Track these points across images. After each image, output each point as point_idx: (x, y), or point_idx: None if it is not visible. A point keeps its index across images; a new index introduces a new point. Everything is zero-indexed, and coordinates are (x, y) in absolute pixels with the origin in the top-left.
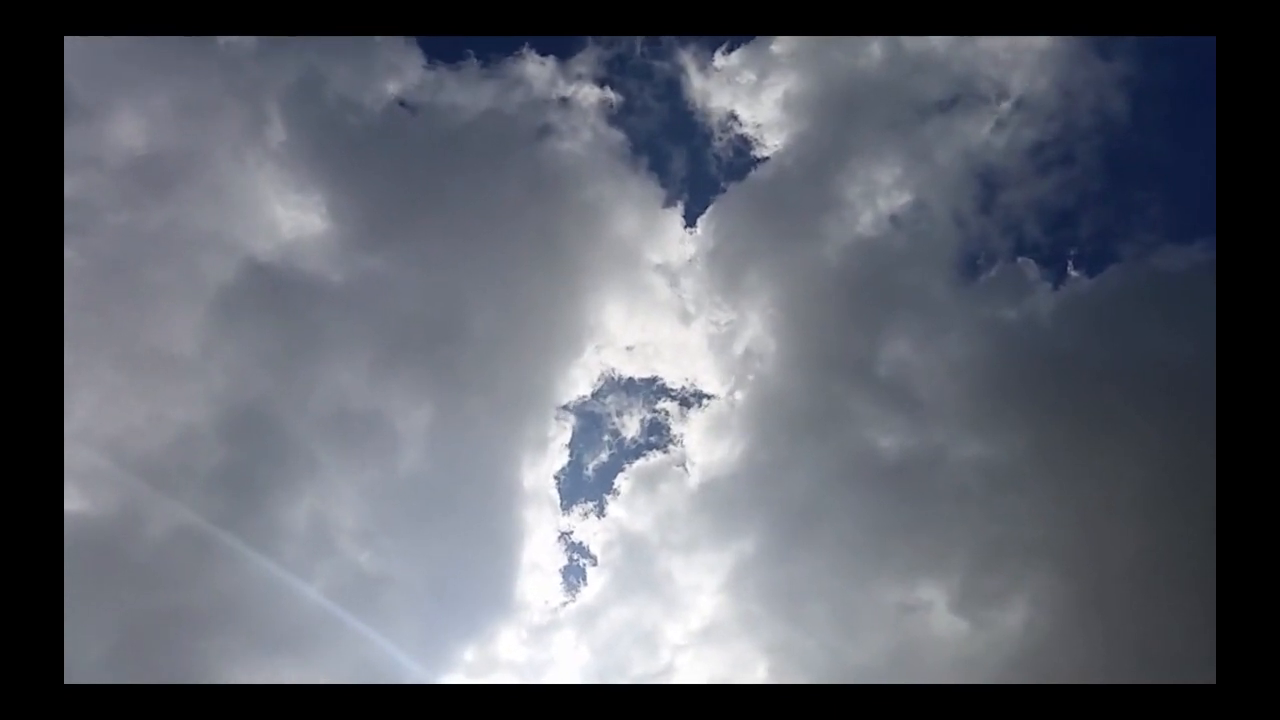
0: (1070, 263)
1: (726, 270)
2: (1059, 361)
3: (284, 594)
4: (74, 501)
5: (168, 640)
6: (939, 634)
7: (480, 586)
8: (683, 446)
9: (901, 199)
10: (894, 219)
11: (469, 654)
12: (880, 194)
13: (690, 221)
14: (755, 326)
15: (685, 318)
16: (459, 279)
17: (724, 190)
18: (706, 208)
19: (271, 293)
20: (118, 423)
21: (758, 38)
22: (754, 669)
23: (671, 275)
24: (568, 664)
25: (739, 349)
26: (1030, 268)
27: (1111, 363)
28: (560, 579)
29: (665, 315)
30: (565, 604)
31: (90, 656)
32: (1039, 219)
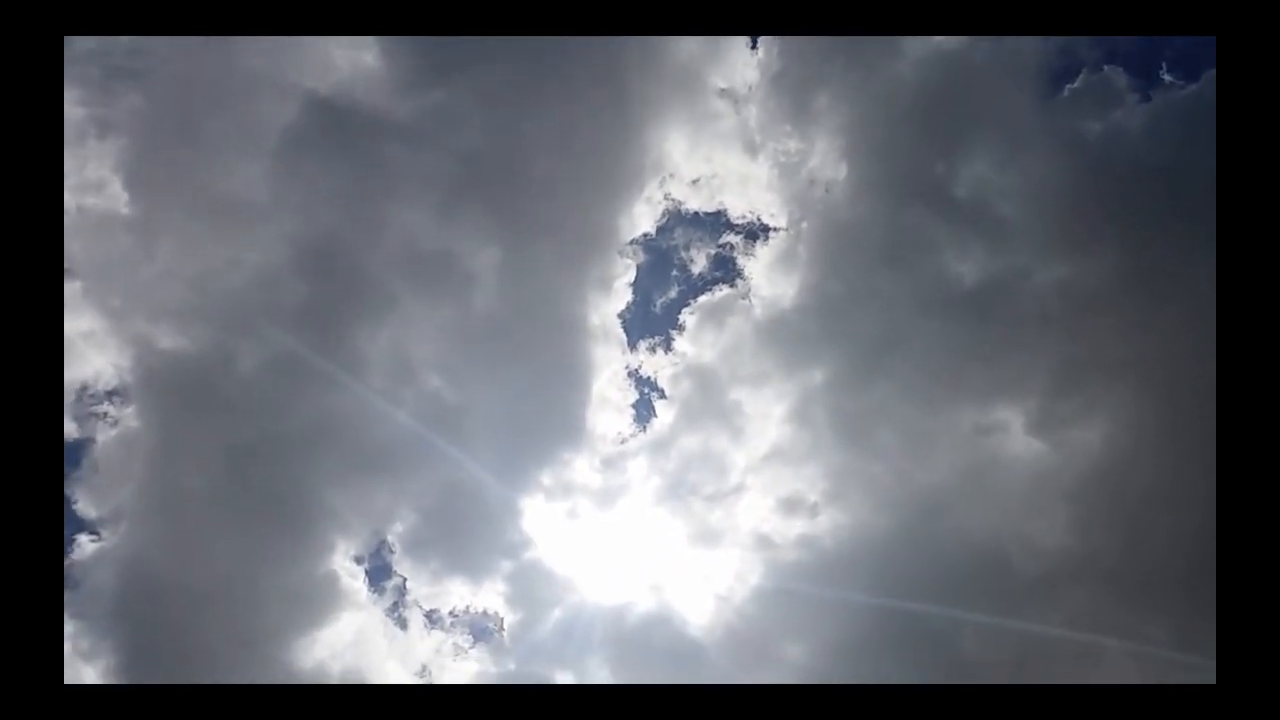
0: (1164, 69)
1: (794, 94)
2: (1148, 177)
3: (373, 421)
4: (168, 340)
5: (268, 465)
6: (1014, 454)
7: (553, 418)
8: (749, 280)
9: None
10: None
11: (546, 478)
12: None
13: (754, 41)
14: (824, 154)
15: (751, 148)
16: (515, 113)
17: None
18: None
19: (332, 133)
20: (199, 266)
21: None
22: (818, 487)
23: (736, 101)
24: (640, 488)
25: (807, 178)
26: (1119, 76)
27: (1205, 177)
28: (630, 410)
29: (730, 146)
30: (635, 434)
31: (199, 483)
32: None
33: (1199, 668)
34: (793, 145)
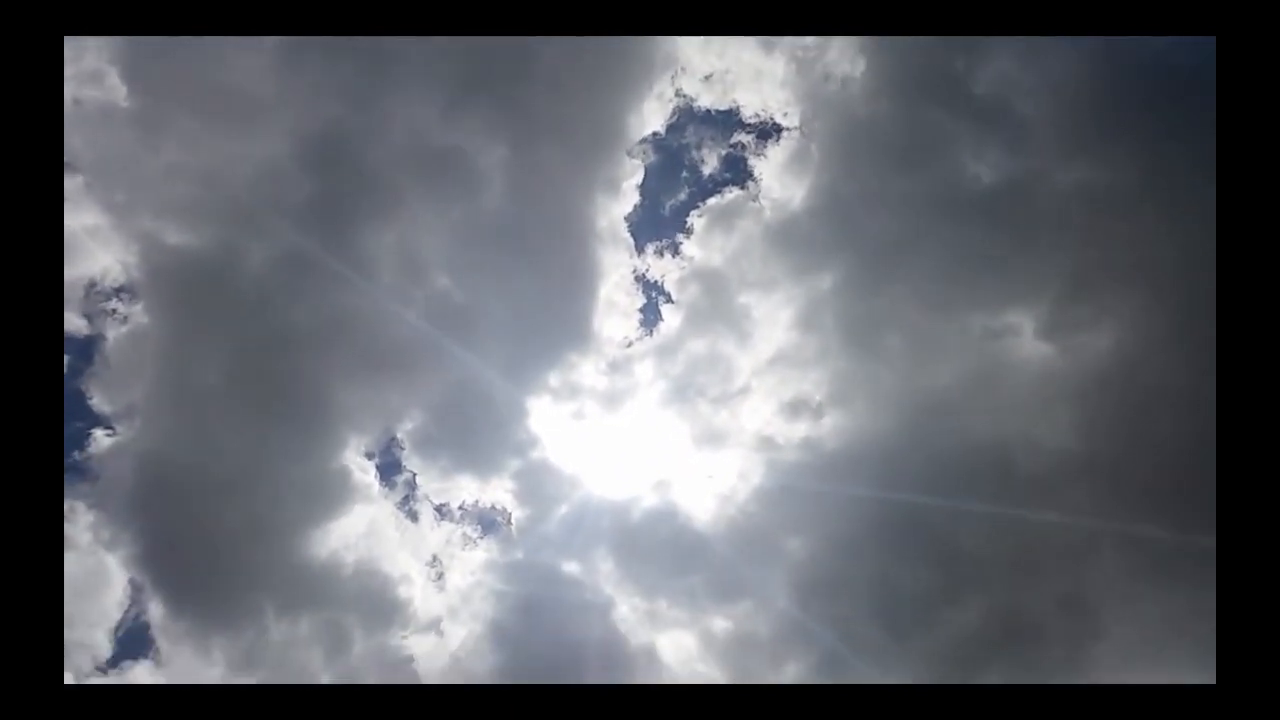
0: None
1: None
2: (1172, 78)
3: (381, 319)
4: (176, 236)
5: (278, 362)
6: (1023, 357)
7: (560, 321)
8: (759, 181)
9: None
10: None
11: (553, 380)
12: None
13: None
14: (841, 47)
15: (766, 42)
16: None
17: None
18: None
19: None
20: (204, 162)
21: None
22: (823, 390)
23: None
24: (646, 390)
25: (823, 73)
26: None
27: None
28: (637, 314)
29: (744, 39)
30: (642, 337)
31: (210, 379)
32: None
33: (1200, 551)
34: (809, 39)
